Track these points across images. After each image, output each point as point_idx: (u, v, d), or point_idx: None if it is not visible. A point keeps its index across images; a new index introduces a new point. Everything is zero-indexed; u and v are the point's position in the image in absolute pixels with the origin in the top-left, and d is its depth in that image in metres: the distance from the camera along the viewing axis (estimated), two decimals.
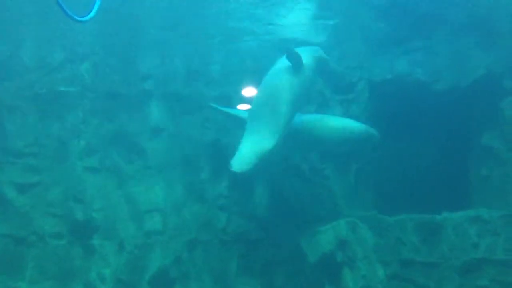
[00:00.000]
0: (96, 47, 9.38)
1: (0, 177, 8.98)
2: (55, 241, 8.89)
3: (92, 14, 5.32)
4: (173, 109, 9.59)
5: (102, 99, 9.37)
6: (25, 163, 9.05)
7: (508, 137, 9.30)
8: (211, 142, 9.61)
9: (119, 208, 9.17)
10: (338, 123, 9.13)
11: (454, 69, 9.75)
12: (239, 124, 8.63)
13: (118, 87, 9.44)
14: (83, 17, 5.29)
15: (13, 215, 8.92)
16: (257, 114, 8.39)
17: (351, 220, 8.87)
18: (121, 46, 9.47)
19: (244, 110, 9.10)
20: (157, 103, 9.52)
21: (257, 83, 9.37)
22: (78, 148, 9.20)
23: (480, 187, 9.61)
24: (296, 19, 9.69)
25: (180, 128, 9.60)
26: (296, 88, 8.48)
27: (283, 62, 8.62)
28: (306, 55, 8.68)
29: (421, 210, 9.00)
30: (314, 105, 9.64)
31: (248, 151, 8.00)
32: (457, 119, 9.87)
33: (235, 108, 9.40)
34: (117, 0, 8.85)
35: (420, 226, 8.79)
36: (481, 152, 9.68)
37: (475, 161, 9.81)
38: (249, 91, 9.66)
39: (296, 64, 8.45)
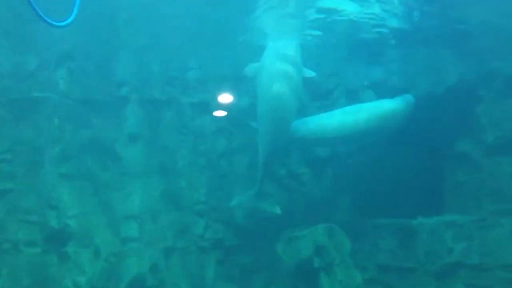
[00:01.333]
0: (72, 53, 9.30)
1: None
2: (29, 248, 8.75)
3: (69, 20, 5.19)
4: (149, 115, 9.55)
5: (78, 105, 9.27)
6: None
7: (482, 143, 9.41)
8: (188, 149, 9.59)
9: (94, 215, 9.09)
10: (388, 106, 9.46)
11: (428, 76, 9.85)
12: None
13: (94, 93, 9.35)
14: (60, 22, 5.15)
15: None
16: (265, 124, 8.86)
17: (328, 225, 8.92)
18: (97, 52, 9.39)
19: None
20: (134, 110, 9.47)
21: (235, 90, 9.43)
22: (53, 155, 9.07)
23: (455, 192, 9.71)
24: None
25: (157, 134, 9.56)
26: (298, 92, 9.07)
27: (275, 58, 8.96)
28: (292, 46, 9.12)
29: (397, 215, 9.07)
30: None
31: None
32: (432, 125, 9.96)
33: None
34: (94, 6, 8.78)
35: (396, 231, 8.89)
36: (456, 158, 9.79)
37: (450, 167, 9.91)
38: (226, 98, 9.67)
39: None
